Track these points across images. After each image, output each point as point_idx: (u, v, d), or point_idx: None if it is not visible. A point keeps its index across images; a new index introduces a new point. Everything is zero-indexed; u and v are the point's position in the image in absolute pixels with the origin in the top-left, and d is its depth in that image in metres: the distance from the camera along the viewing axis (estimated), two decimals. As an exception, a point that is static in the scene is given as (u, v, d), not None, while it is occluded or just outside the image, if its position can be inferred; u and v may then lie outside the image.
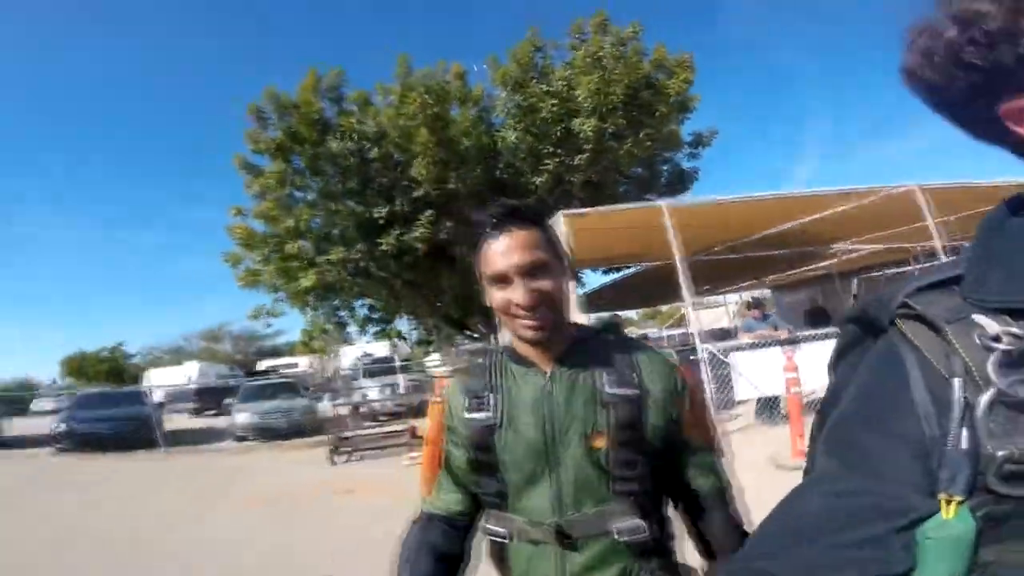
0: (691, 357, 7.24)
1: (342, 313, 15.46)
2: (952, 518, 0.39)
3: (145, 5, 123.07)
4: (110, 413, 12.03)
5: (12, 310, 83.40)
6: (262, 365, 28.12)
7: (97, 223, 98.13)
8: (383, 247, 11.66)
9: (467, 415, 1.10)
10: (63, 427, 11.66)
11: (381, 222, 11.80)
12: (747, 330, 8.06)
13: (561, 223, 7.43)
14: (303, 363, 27.53)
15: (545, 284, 1.01)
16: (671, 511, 1.15)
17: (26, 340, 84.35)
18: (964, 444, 0.40)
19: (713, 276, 12.18)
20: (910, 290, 0.47)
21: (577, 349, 1.08)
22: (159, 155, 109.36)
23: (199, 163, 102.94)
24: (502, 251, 1.01)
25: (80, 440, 11.42)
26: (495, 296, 1.04)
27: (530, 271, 1.00)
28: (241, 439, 12.60)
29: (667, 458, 1.07)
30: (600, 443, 1.01)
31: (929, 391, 0.43)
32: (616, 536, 1.01)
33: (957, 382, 0.41)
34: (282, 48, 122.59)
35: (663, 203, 7.56)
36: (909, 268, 12.19)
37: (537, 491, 1.05)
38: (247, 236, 12.59)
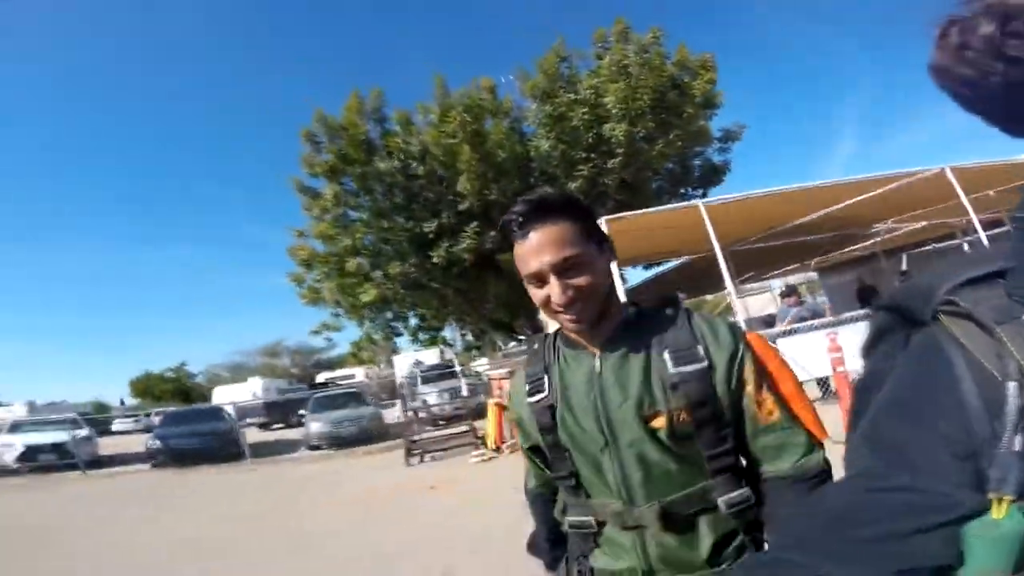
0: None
1: (395, 324, 16.29)
2: (1003, 517, 0.39)
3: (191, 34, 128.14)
4: (196, 429, 13.09)
5: (75, 334, 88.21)
6: (321, 378, 29.33)
7: (148, 243, 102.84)
8: (434, 259, 12.36)
9: (528, 399, 1.13)
10: (157, 443, 12.73)
11: (431, 236, 12.50)
12: (784, 318, 8.33)
13: (602, 225, 7.93)
14: (359, 374, 28.63)
15: (580, 280, 1.00)
16: None
17: (89, 363, 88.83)
18: (1017, 446, 0.39)
19: (756, 263, 12.44)
20: (952, 285, 0.45)
21: (628, 329, 1.07)
22: (213, 175, 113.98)
23: (248, 180, 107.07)
24: (533, 250, 1.00)
25: (173, 455, 12.48)
26: (534, 294, 1.04)
27: (563, 268, 0.99)
28: (315, 448, 13.49)
29: (741, 432, 1.01)
30: (660, 423, 0.99)
31: (979, 391, 0.42)
32: (723, 509, 0.99)
33: (1012, 386, 0.40)
34: (315, 64, 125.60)
35: (699, 202, 7.94)
36: (956, 241, 12.28)
37: (605, 474, 1.04)
38: (309, 256, 13.49)
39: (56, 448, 13.03)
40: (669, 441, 0.98)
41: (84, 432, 13.92)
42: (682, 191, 13.87)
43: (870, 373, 0.52)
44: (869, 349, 0.54)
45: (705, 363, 0.99)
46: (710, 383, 0.98)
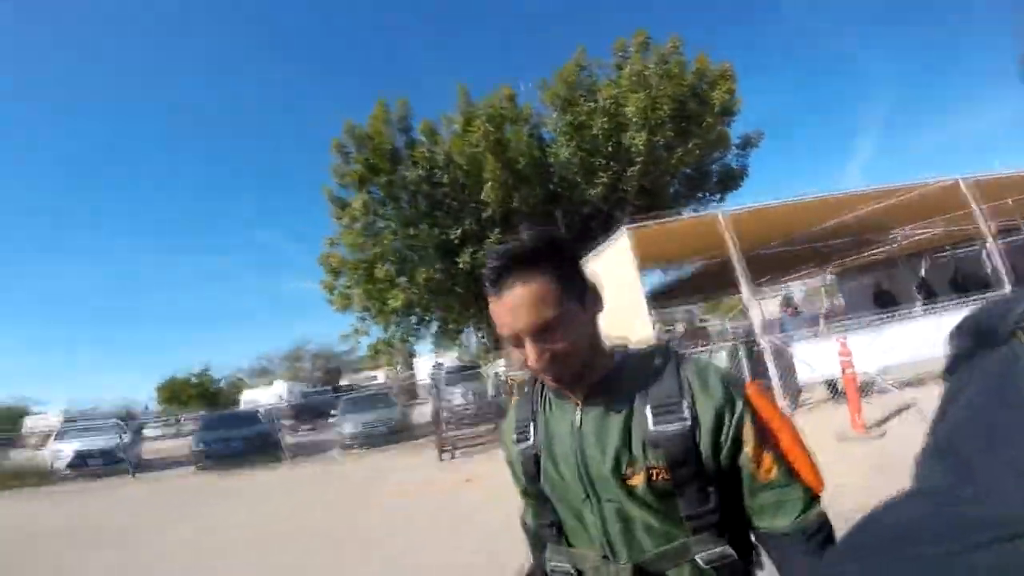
0: (754, 348, 8.12)
1: (419, 327, 16.86)
2: None
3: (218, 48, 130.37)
4: (237, 432, 13.62)
5: (95, 342, 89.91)
6: (344, 380, 30.04)
7: (169, 252, 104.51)
8: (460, 265, 12.90)
9: (515, 445, 1.12)
10: (201, 447, 13.26)
11: (455, 242, 13.04)
12: (782, 330, 8.59)
13: (624, 236, 8.38)
14: (381, 376, 29.30)
15: (557, 344, 0.95)
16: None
17: (113, 370, 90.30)
18: None
19: (774, 267, 12.68)
20: None
21: (612, 381, 1.03)
22: (233, 184, 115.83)
23: (269, 188, 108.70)
24: (508, 312, 0.95)
25: (217, 457, 13.01)
26: (512, 351, 1.03)
27: (538, 332, 0.95)
28: (347, 447, 14.06)
29: (736, 489, 0.98)
30: (637, 481, 0.96)
31: None
32: (703, 564, 0.97)
33: None
34: (339, 74, 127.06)
35: (719, 212, 8.30)
36: (975, 247, 12.09)
37: (587, 526, 1.03)
38: (339, 264, 14.11)
39: (104, 453, 13.55)
40: (648, 498, 0.96)
41: (129, 437, 14.48)
42: (700, 195, 14.30)
43: (947, 397, 0.50)
44: (949, 372, 0.52)
45: (688, 421, 0.95)
46: (693, 441, 0.95)
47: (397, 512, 7.00)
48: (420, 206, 13.42)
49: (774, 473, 0.95)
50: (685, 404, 0.96)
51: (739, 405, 0.96)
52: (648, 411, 0.97)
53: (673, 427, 0.95)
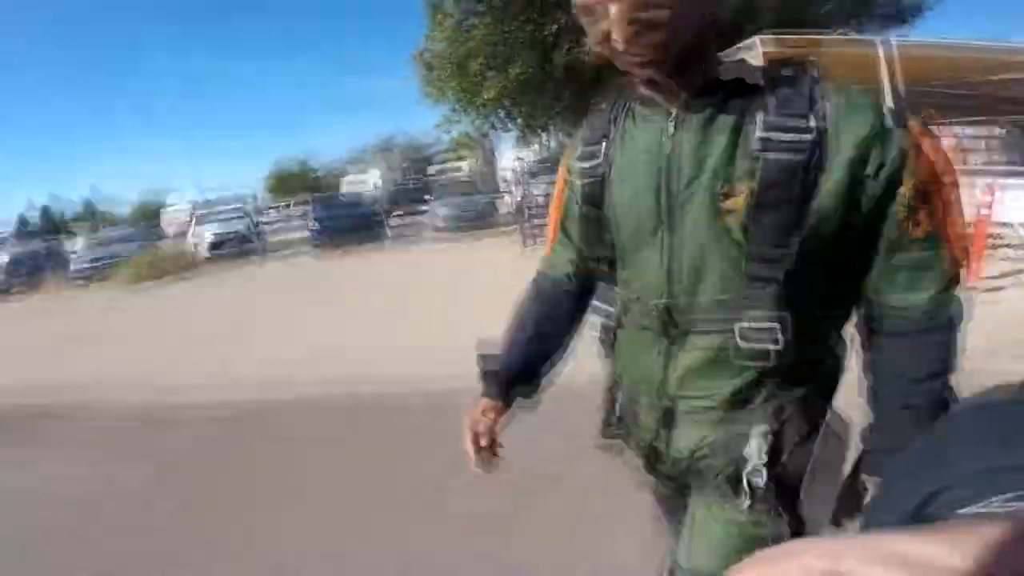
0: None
1: (506, 121, 17.17)
2: None
3: None
4: (347, 212, 15.29)
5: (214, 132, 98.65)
6: (432, 170, 31.42)
7: (267, 54, 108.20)
8: (553, 62, 12.73)
9: (579, 163, 0.96)
10: (316, 225, 14.93)
11: (550, 39, 12.69)
12: None
13: (758, 46, 7.66)
14: (465, 167, 30.30)
15: (655, 12, 0.73)
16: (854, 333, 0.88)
17: (223, 164, 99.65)
18: None
19: (934, 108, 11.36)
20: None
21: (722, 87, 0.82)
22: None
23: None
24: None
25: (331, 236, 14.52)
26: (591, 32, 0.79)
27: None
28: (440, 230, 15.37)
29: (855, 250, 0.80)
30: (735, 204, 0.79)
31: None
32: (738, 338, 0.81)
33: None
34: None
35: (879, 39, 7.25)
36: None
37: (647, 260, 0.87)
38: (433, 58, 14.24)
39: (239, 236, 15.31)
40: (736, 229, 0.81)
41: (256, 222, 16.40)
42: (856, 23, 12.42)
43: None
44: None
45: (810, 135, 0.77)
46: (808, 160, 0.77)
47: (486, 290, 8.05)
48: (515, 1, 12.87)
49: (924, 231, 0.79)
50: (812, 118, 0.78)
51: (900, 139, 0.78)
52: (760, 119, 0.80)
53: (786, 137, 0.78)
